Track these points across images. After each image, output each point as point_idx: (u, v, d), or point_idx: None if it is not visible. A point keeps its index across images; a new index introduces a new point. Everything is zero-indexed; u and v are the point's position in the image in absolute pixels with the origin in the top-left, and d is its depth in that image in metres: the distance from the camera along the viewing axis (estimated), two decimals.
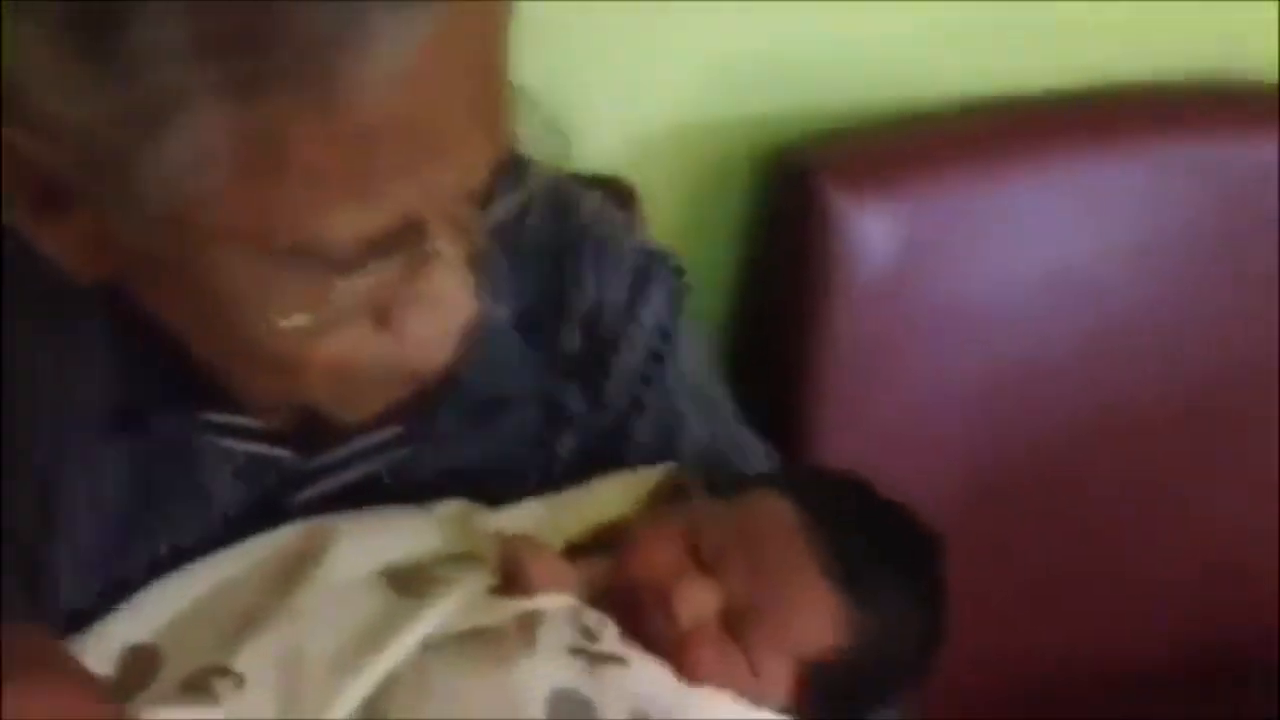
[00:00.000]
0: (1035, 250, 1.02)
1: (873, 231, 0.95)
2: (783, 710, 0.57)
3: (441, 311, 0.51)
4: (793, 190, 0.96)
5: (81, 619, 0.58)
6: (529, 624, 0.56)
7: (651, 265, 0.67)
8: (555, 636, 0.55)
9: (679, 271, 0.68)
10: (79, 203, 0.48)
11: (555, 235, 0.64)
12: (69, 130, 0.45)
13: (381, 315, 0.50)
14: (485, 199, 0.50)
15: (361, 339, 0.50)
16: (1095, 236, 1.03)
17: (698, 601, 0.56)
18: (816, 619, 0.57)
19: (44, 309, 0.57)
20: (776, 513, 0.58)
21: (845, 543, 0.57)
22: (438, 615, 0.56)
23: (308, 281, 0.48)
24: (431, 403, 0.60)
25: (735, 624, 0.56)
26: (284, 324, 0.48)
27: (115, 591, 0.58)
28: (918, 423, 1.02)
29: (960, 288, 1.00)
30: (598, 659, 0.55)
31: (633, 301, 0.66)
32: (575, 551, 0.62)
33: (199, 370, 0.56)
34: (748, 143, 0.98)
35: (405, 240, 0.48)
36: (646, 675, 0.56)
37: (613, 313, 0.65)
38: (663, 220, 0.91)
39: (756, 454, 0.70)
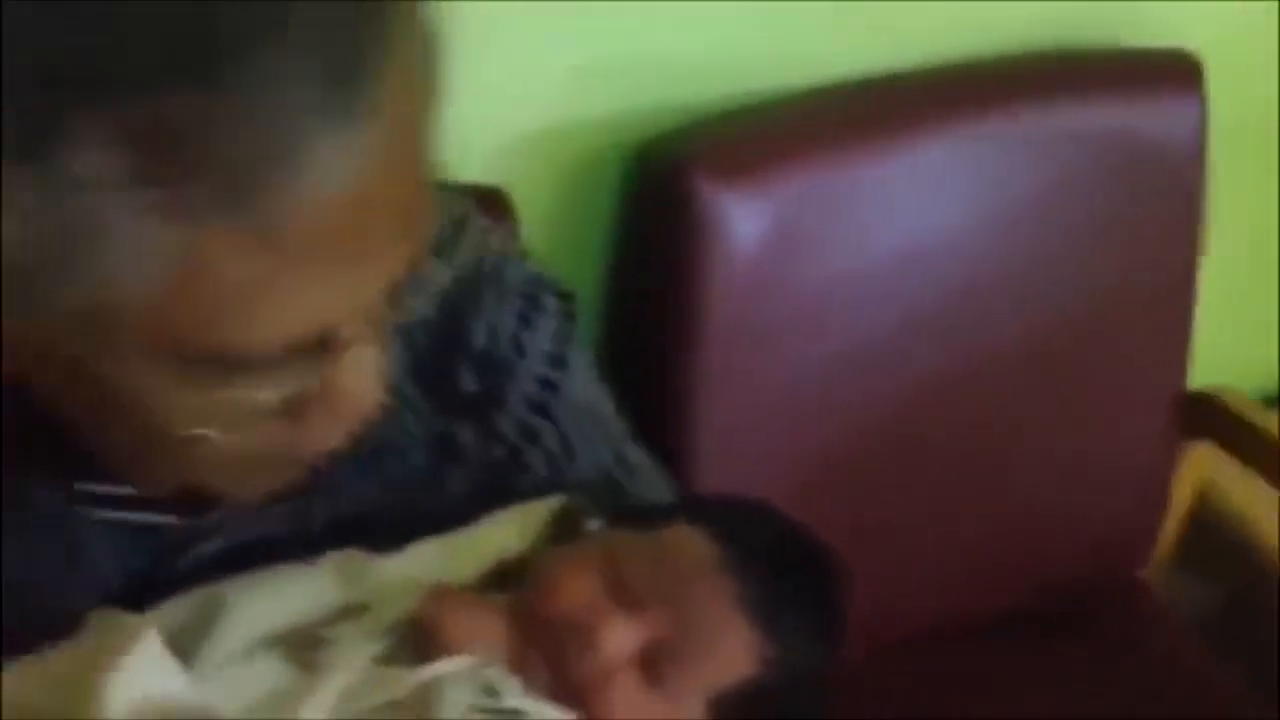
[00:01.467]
0: (889, 226, 1.06)
1: (737, 218, 0.98)
2: None
3: (349, 403, 0.52)
4: (660, 183, 0.98)
5: None
6: (426, 694, 0.55)
7: (539, 293, 0.67)
8: (455, 700, 0.55)
9: (566, 297, 0.69)
10: None
11: (446, 280, 0.65)
12: None
13: (290, 409, 0.50)
14: (397, 293, 0.51)
15: (265, 433, 0.51)
16: (944, 209, 1.08)
17: (620, 639, 0.56)
18: (733, 653, 0.57)
19: None
20: (692, 547, 0.58)
21: (757, 577, 0.58)
22: (333, 696, 0.55)
23: (220, 388, 0.48)
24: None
25: (654, 660, 0.57)
26: (196, 432, 0.48)
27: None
28: (790, 397, 1.06)
29: (823, 265, 1.04)
30: (501, 715, 0.56)
31: (521, 332, 0.66)
32: (475, 591, 0.63)
33: (73, 443, 0.55)
34: (613, 140, 0.99)
35: (323, 344, 0.48)
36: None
37: (503, 346, 0.66)
38: (535, 221, 0.92)
39: (651, 474, 0.71)
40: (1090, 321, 1.18)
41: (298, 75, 0.42)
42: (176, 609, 0.58)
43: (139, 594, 0.59)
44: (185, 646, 0.57)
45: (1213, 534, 1.36)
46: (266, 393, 0.49)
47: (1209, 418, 1.27)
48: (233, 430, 0.49)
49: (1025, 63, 1.12)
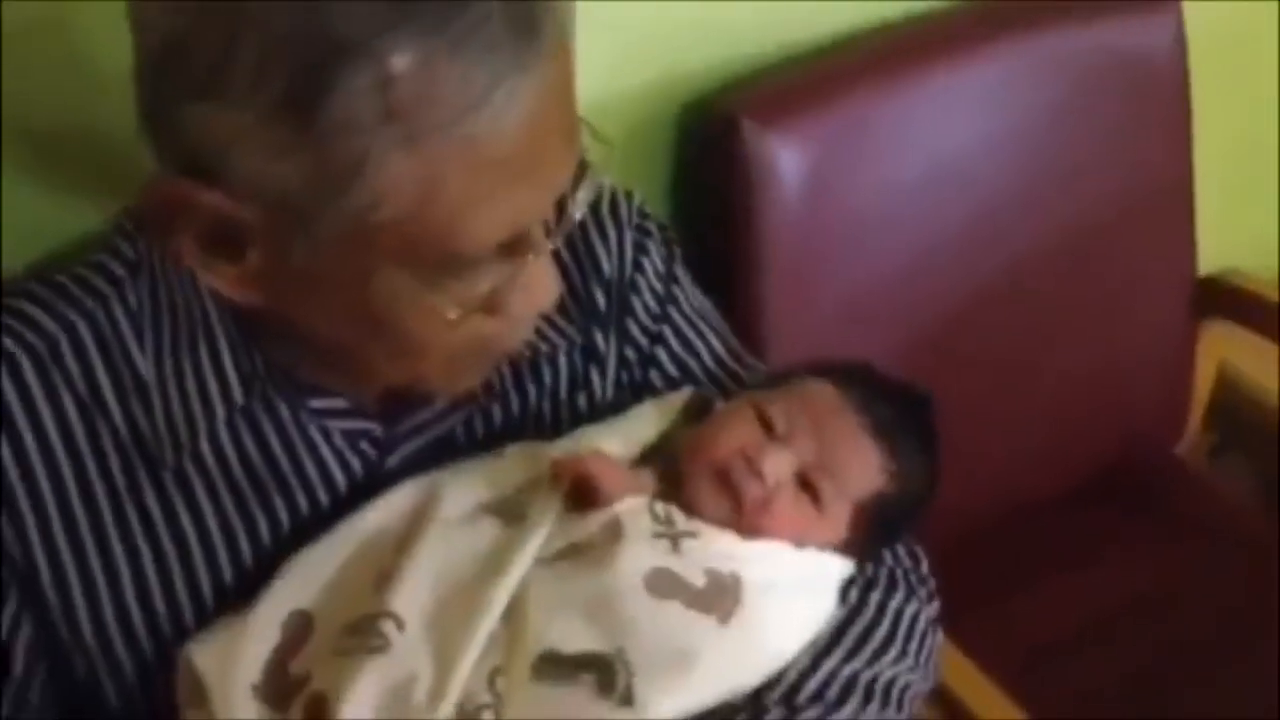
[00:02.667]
0: (915, 152, 1.16)
1: (783, 158, 1.08)
2: (843, 543, 0.72)
3: (536, 296, 0.64)
4: (711, 134, 1.09)
5: (223, 589, 0.69)
6: (613, 527, 0.68)
7: (646, 223, 0.81)
8: (636, 530, 0.68)
9: (664, 227, 0.82)
10: (252, 243, 0.59)
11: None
12: (265, 188, 0.56)
13: (493, 304, 0.63)
14: (562, 200, 0.64)
15: (478, 326, 0.63)
16: (960, 133, 1.18)
17: (780, 463, 0.70)
18: (868, 469, 0.71)
19: (160, 324, 0.68)
20: (823, 392, 0.73)
21: (876, 410, 0.72)
22: (539, 538, 0.68)
23: (448, 287, 0.61)
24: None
25: (808, 480, 0.70)
26: (436, 321, 0.61)
27: (251, 563, 0.69)
28: (843, 314, 1.16)
29: (861, 193, 1.14)
30: (675, 537, 0.68)
31: (638, 255, 0.79)
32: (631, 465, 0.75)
33: (296, 367, 0.69)
34: (665, 100, 1.10)
35: (518, 242, 0.61)
36: (713, 540, 0.69)
37: (627, 266, 0.79)
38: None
39: (754, 366, 0.84)
40: (1102, 222, 1.29)
41: (496, 31, 0.55)
42: (402, 495, 0.71)
43: (361, 488, 0.71)
44: (416, 525, 0.69)
45: (1235, 404, 1.47)
46: (481, 286, 0.61)
47: (1220, 297, 1.38)
48: (455, 324, 0.62)
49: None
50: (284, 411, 0.70)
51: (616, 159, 1.08)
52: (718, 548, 0.68)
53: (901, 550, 0.78)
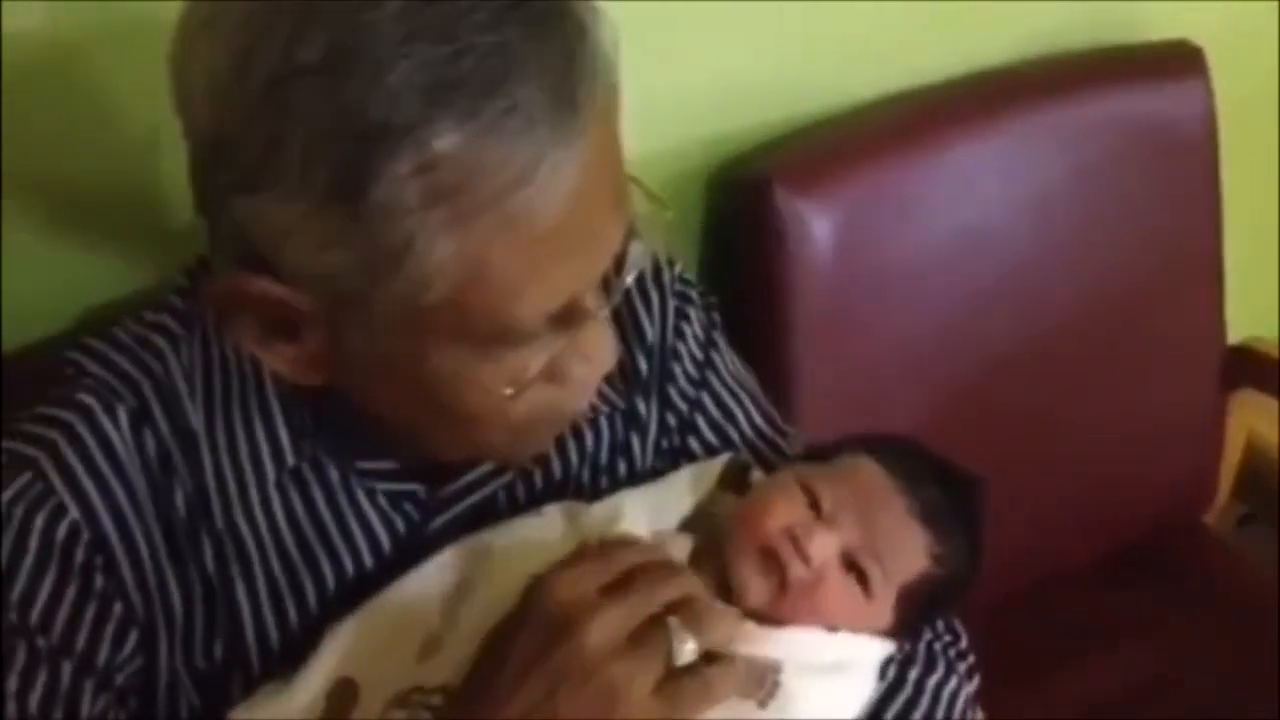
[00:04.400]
0: (944, 218, 1.17)
1: (813, 223, 1.09)
2: (888, 628, 0.70)
3: (594, 360, 0.64)
4: (742, 199, 1.09)
5: (269, 652, 0.69)
6: None
7: (688, 290, 0.81)
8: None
9: (705, 294, 0.82)
10: (309, 327, 0.60)
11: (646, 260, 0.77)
12: (319, 275, 0.57)
13: (552, 373, 0.63)
14: (619, 263, 0.64)
15: (538, 395, 0.63)
16: (988, 200, 1.19)
17: (826, 543, 0.68)
18: (915, 554, 0.70)
19: (212, 383, 0.69)
20: (870, 471, 0.72)
21: (925, 492, 0.71)
22: None
23: (504, 360, 0.60)
24: None
25: (854, 563, 0.69)
26: (495, 395, 0.61)
27: (296, 621, 0.69)
28: (872, 379, 1.16)
29: (895, 255, 1.14)
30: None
31: (680, 322, 0.79)
32: (664, 534, 0.74)
33: (346, 427, 0.69)
34: (695, 164, 1.10)
35: (572, 312, 0.61)
36: (748, 632, 0.66)
37: (669, 334, 0.79)
38: None
39: (792, 434, 0.83)
40: (1129, 290, 1.29)
41: (534, 108, 0.55)
42: (447, 559, 0.70)
43: (404, 551, 0.71)
44: (462, 592, 0.68)
45: (1262, 474, 1.46)
46: (538, 358, 0.61)
47: (1249, 366, 1.37)
48: (519, 393, 0.62)
49: (1048, 65, 1.24)
50: (333, 474, 0.70)
51: (658, 219, 1.11)
52: (754, 632, 0.67)
53: (941, 625, 0.77)
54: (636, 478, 0.77)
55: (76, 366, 0.69)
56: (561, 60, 0.56)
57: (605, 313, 0.63)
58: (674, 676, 0.59)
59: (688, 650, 0.60)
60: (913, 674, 0.73)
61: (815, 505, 0.70)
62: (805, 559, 0.68)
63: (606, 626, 0.58)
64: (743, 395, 0.81)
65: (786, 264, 1.09)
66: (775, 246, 1.08)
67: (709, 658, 0.62)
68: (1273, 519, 1.49)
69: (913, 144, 1.15)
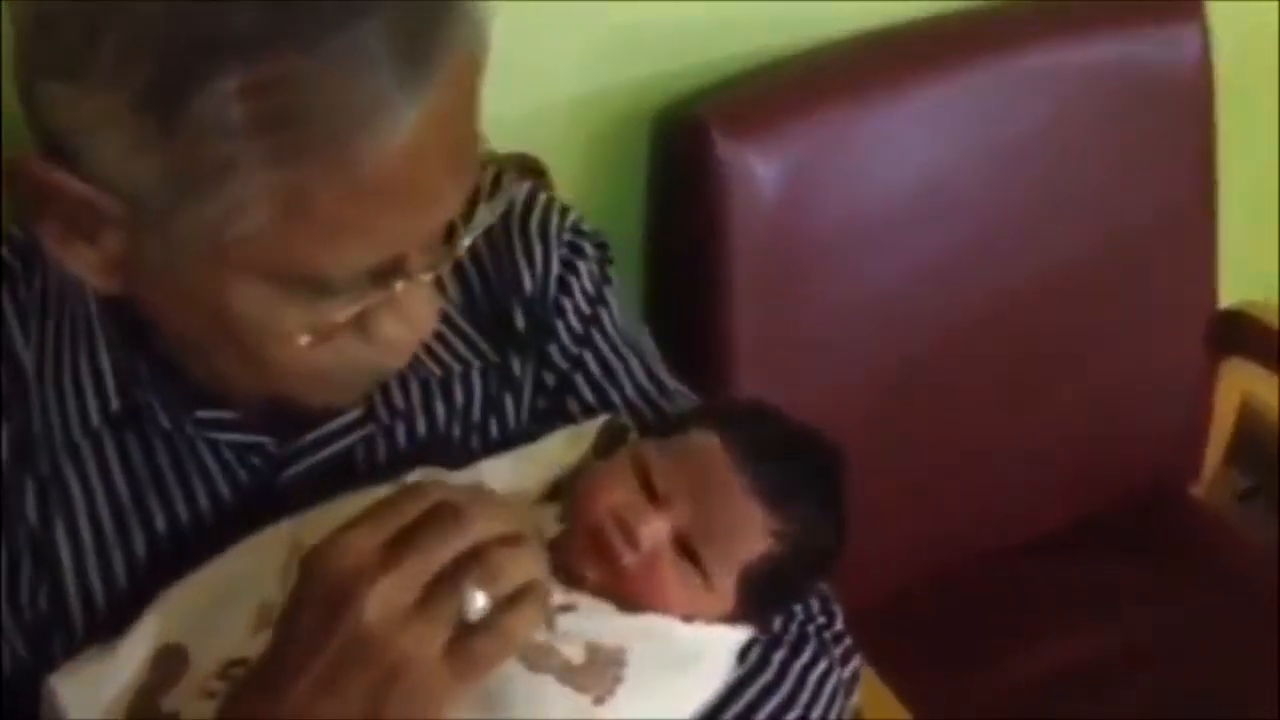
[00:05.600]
0: (903, 168, 1.10)
1: (756, 169, 1.03)
2: (734, 611, 0.66)
3: (411, 323, 0.61)
4: (683, 142, 1.04)
5: (93, 607, 0.66)
6: None
7: (579, 241, 0.76)
8: None
9: (602, 245, 0.78)
10: (108, 230, 0.57)
11: (497, 228, 0.73)
12: (123, 181, 0.54)
13: (362, 327, 0.59)
14: (451, 228, 0.61)
15: (344, 347, 0.60)
16: (952, 146, 1.12)
17: (655, 529, 0.65)
18: (752, 533, 0.66)
19: (46, 321, 0.67)
20: (709, 447, 0.67)
21: (767, 466, 0.66)
22: None
23: (310, 307, 0.57)
24: (386, 385, 0.70)
25: (688, 546, 0.65)
26: (293, 341, 0.58)
27: (123, 575, 0.66)
28: (820, 337, 1.11)
29: (843, 209, 1.09)
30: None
31: (566, 275, 0.75)
32: (532, 502, 0.70)
33: (186, 373, 0.66)
34: (636, 105, 1.05)
35: (391, 270, 0.57)
36: (594, 612, 0.64)
37: (551, 287, 0.75)
38: (570, 185, 0.99)
39: (684, 396, 0.79)
40: (1117, 247, 1.22)
41: (382, 51, 0.52)
42: (286, 529, 0.67)
43: (248, 505, 0.68)
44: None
45: (1259, 444, 1.39)
46: (345, 311, 0.58)
47: (1241, 332, 1.30)
48: (319, 343, 0.58)
49: (1025, 4, 1.17)
50: (163, 420, 0.67)
51: (582, 165, 1.07)
52: (595, 622, 0.64)
53: (815, 605, 0.73)
54: (509, 438, 0.73)
55: None
56: (418, 10, 0.53)
57: (426, 280, 0.60)
58: (464, 635, 0.55)
59: (476, 606, 0.55)
60: (777, 656, 0.69)
61: (648, 485, 0.66)
62: (634, 543, 0.64)
63: (385, 593, 0.53)
64: (628, 354, 0.77)
65: (725, 215, 1.03)
66: (713, 196, 1.03)
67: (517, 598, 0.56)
68: (1273, 490, 1.43)
69: (870, 90, 1.09)
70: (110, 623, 0.65)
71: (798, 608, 0.72)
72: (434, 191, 0.57)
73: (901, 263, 1.13)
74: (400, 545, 0.55)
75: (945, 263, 1.15)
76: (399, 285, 0.58)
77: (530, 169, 0.94)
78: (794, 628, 0.71)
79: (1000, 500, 1.25)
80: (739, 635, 0.67)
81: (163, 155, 0.53)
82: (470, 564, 0.55)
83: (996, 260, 1.18)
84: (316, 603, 0.55)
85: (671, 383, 0.79)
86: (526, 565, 0.57)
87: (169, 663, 0.63)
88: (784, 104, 1.06)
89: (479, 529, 0.55)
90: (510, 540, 0.56)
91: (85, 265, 0.59)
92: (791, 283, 1.08)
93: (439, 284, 0.63)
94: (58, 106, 0.55)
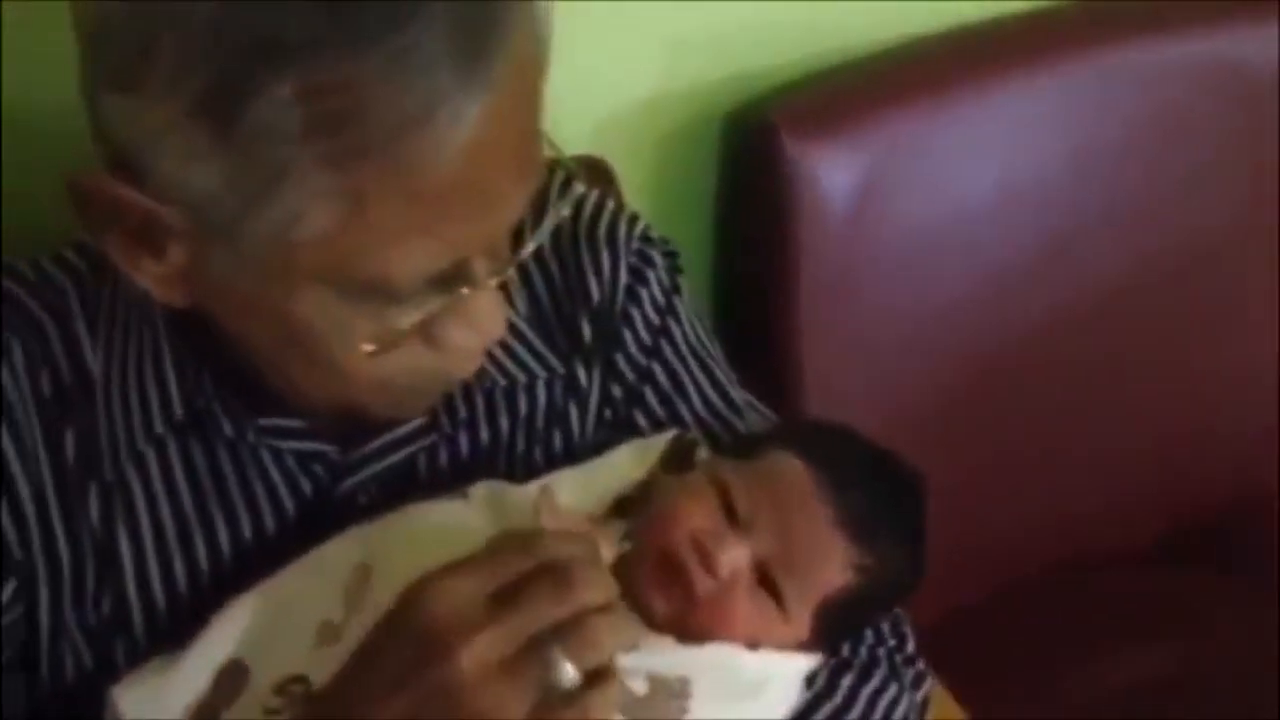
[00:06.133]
0: (980, 172, 1.08)
1: (824, 173, 1.01)
2: (805, 641, 0.65)
3: (478, 329, 0.60)
4: (751, 146, 1.02)
5: (154, 615, 0.66)
6: None
7: (648, 250, 0.75)
8: None
9: (671, 254, 0.76)
10: (174, 242, 0.57)
11: (564, 236, 0.73)
12: (185, 190, 0.54)
13: (428, 334, 0.59)
14: (518, 231, 0.60)
15: (411, 355, 0.59)
16: (1035, 149, 1.09)
17: (735, 556, 0.62)
18: (835, 566, 0.64)
19: (114, 329, 0.67)
20: (792, 471, 0.65)
21: (854, 496, 0.64)
22: None
23: (375, 315, 0.57)
24: (449, 394, 0.69)
25: (767, 576, 0.63)
26: (355, 352, 0.57)
27: (185, 582, 0.66)
28: (890, 341, 1.09)
29: (918, 212, 1.06)
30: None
31: (635, 285, 0.74)
32: (597, 518, 0.69)
33: (250, 382, 0.66)
34: (705, 108, 1.04)
35: (456, 276, 0.57)
36: (655, 641, 0.62)
37: (620, 298, 0.73)
38: (639, 189, 0.98)
39: (755, 412, 0.77)
40: (1198, 249, 1.19)
41: (439, 50, 0.51)
42: (348, 544, 0.66)
43: (310, 513, 0.68)
44: (360, 581, 0.64)
45: None
46: (409, 318, 0.57)
47: None
48: (385, 351, 0.58)
49: (1100, 4, 1.13)
50: (227, 428, 0.67)
51: (651, 169, 1.05)
52: (662, 648, 0.62)
53: (886, 627, 0.71)
54: (573, 450, 0.72)
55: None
56: (476, 9, 0.52)
57: (491, 285, 0.59)
58: (549, 706, 0.54)
59: (568, 677, 0.55)
60: (845, 681, 0.67)
61: (729, 509, 0.64)
62: (713, 571, 0.62)
63: (481, 648, 0.53)
64: (696, 367, 0.75)
65: (793, 220, 1.01)
66: (782, 200, 1.01)
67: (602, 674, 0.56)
68: None
69: (948, 89, 1.06)
70: (172, 630, 0.65)
71: (869, 631, 0.70)
72: (496, 193, 0.56)
73: (974, 268, 1.10)
74: (504, 602, 0.54)
75: (1019, 268, 1.12)
76: (465, 291, 0.57)
77: (598, 173, 0.93)
78: (864, 651, 0.69)
79: (1075, 511, 1.22)
80: (806, 663, 0.65)
81: (222, 163, 0.53)
82: (567, 631, 0.54)
83: (1073, 265, 1.15)
84: (411, 641, 0.54)
85: (740, 397, 0.77)
86: (620, 635, 0.56)
87: (230, 678, 0.63)
88: (856, 106, 1.03)
89: (581, 598, 0.55)
90: (606, 608, 0.56)
91: (152, 279, 0.59)
92: (861, 287, 1.06)
93: (505, 292, 0.62)
94: (118, 119, 0.55)
